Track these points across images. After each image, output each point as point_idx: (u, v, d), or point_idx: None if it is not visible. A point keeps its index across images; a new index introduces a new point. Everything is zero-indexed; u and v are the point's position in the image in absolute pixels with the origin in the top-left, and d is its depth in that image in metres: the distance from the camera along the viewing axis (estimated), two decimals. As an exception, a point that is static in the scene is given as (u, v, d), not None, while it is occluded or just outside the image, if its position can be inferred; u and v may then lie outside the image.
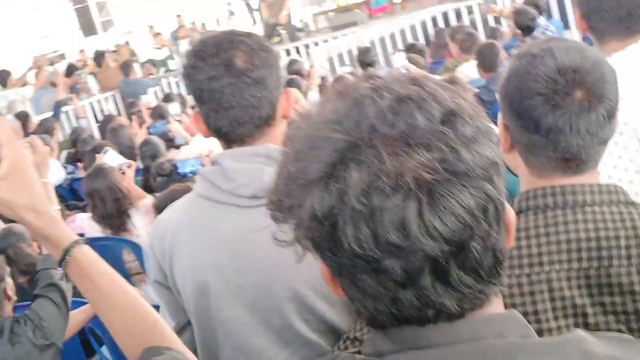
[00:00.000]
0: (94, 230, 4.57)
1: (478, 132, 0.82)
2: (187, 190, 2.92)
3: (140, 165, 5.73)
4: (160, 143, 5.76)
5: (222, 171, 1.66)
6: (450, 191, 0.78)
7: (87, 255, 1.29)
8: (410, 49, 6.77)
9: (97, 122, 9.76)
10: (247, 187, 1.62)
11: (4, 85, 9.93)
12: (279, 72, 1.72)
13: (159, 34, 14.95)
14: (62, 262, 1.27)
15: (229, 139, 1.70)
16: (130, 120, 7.83)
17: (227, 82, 1.64)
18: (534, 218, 1.39)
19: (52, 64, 11.59)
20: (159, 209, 3.74)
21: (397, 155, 0.78)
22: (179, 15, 16.71)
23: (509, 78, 1.44)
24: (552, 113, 1.35)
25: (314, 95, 5.97)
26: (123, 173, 5.00)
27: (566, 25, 8.13)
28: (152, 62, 13.21)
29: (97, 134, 9.25)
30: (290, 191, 0.84)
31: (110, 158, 5.26)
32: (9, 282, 2.99)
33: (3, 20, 16.59)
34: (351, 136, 0.80)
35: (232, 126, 1.67)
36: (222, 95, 1.64)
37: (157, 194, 4.49)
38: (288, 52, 11.51)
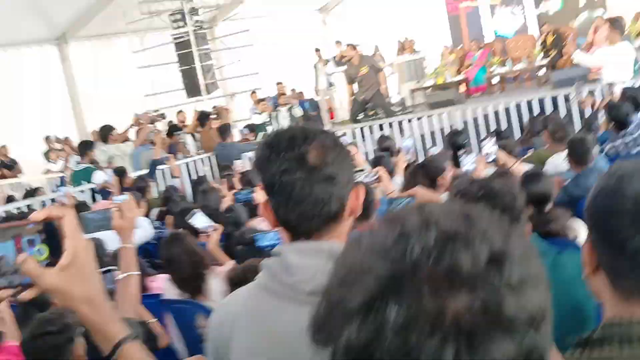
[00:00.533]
0: (173, 292, 4.66)
1: (527, 277, 0.80)
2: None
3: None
4: (243, 211, 5.85)
5: (284, 264, 1.68)
6: (491, 338, 0.76)
7: (135, 352, 1.31)
8: (500, 135, 6.73)
9: (191, 182, 10.00)
10: (307, 283, 1.62)
11: (105, 140, 10.33)
12: (350, 170, 1.75)
13: (262, 100, 15.32)
14: (110, 357, 1.29)
15: (295, 232, 1.72)
16: (222, 183, 8.01)
17: (298, 176, 1.67)
18: (619, 349, 1.28)
19: (152, 122, 12.02)
20: (232, 282, 3.78)
21: (439, 294, 0.76)
22: (279, 83, 17.10)
23: (596, 196, 1.36)
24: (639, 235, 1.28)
25: (399, 179, 5.98)
26: (208, 236, 5.11)
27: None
28: (251, 127, 13.51)
29: (189, 193, 9.49)
30: (330, 318, 0.83)
31: (198, 220, 5.39)
32: (81, 341, 3.03)
33: (112, 77, 17.37)
34: (394, 269, 0.79)
35: (300, 220, 1.69)
36: (292, 189, 1.67)
37: (235, 264, 4.54)
38: (381, 127, 11.57)
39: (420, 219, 0.83)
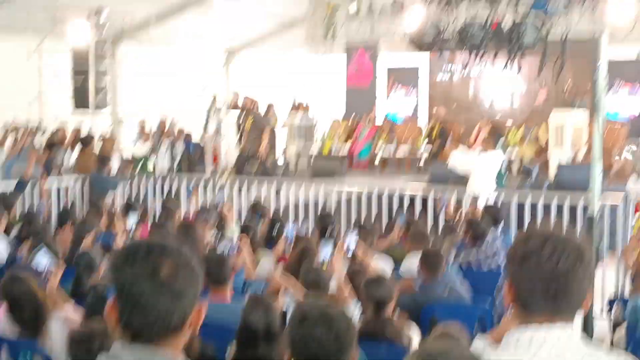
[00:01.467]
0: (11, 327, 4.57)
1: None
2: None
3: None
4: (99, 255, 5.72)
5: None
6: None
7: None
8: (362, 227, 7.02)
9: (58, 207, 9.74)
10: None
11: None
12: (197, 287, 1.90)
13: (144, 130, 15.16)
14: None
15: (134, 335, 1.85)
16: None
17: (148, 287, 1.82)
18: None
19: (31, 133, 11.70)
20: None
21: None
22: (164, 118, 17.00)
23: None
24: None
25: (268, 255, 6.12)
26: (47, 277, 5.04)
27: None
28: (130, 159, 13.33)
29: (54, 215, 9.30)
30: None
31: (40, 258, 5.31)
32: None
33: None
34: None
35: (142, 327, 1.84)
36: (140, 298, 1.82)
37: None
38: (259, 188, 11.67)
39: None
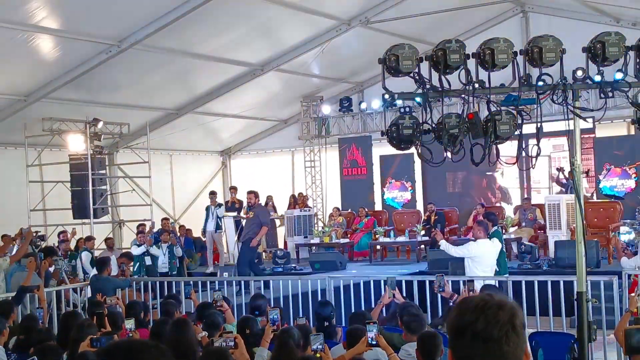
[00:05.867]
0: None
1: None
2: None
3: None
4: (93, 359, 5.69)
5: None
6: None
7: None
8: (358, 317, 7.01)
9: (58, 312, 9.79)
10: None
11: None
12: None
13: (141, 232, 15.34)
14: None
15: None
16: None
17: None
18: None
19: (31, 243, 11.81)
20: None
21: None
22: (165, 219, 17.20)
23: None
24: None
25: (263, 352, 6.14)
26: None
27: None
28: (129, 256, 13.44)
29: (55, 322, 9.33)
30: None
31: None
32: None
33: (1, 186, 17.13)
34: None
35: None
36: None
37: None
38: (266, 285, 11.71)
39: None
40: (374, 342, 5.98)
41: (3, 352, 6.70)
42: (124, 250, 15.18)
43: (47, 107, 16.20)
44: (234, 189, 17.88)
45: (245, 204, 15.29)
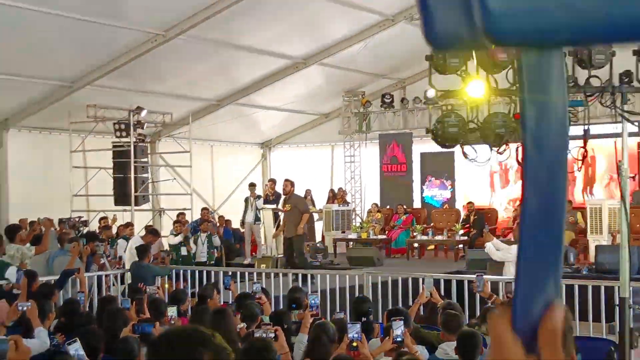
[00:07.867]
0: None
1: None
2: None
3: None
4: (135, 347, 5.57)
5: None
6: None
7: None
8: (395, 314, 6.97)
9: (99, 298, 9.90)
10: None
11: (12, 240, 10.08)
12: None
13: (178, 221, 15.46)
14: None
15: None
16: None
17: None
18: None
19: (74, 227, 12.01)
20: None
21: None
22: (205, 209, 17.30)
23: None
24: None
25: (303, 338, 6.17)
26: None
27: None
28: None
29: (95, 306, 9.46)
30: None
31: (75, 348, 5.35)
32: None
33: (45, 171, 17.41)
34: None
35: None
36: None
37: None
38: (304, 278, 11.71)
39: None
40: (398, 339, 5.96)
41: (46, 333, 6.81)
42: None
43: (92, 94, 16.40)
44: (272, 182, 17.92)
45: (281, 195, 15.31)
